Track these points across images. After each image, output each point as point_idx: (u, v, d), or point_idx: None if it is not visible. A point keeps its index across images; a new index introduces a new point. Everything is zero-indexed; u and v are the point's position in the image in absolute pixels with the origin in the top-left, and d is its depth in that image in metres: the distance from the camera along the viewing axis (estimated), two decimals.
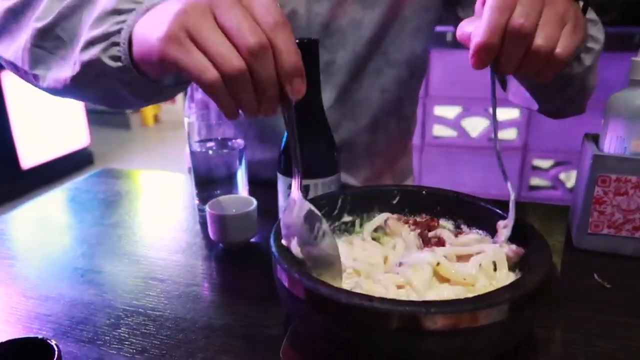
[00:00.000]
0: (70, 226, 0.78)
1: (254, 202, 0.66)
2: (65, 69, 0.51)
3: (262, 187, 0.74)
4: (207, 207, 0.64)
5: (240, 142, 0.72)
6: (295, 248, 0.42)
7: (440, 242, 0.48)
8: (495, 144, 0.50)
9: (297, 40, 0.56)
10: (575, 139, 0.69)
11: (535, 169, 2.26)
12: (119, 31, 0.46)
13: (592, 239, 0.64)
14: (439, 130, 2.29)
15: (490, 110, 0.49)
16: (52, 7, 0.51)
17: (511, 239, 0.46)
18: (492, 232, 0.50)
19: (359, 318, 0.34)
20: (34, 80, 0.56)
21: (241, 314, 0.52)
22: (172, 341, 0.48)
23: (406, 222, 0.52)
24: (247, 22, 0.37)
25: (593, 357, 0.46)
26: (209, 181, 0.72)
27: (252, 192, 0.75)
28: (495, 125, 0.50)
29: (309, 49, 0.57)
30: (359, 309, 0.33)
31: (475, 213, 0.51)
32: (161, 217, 0.79)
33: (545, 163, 2.28)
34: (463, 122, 2.24)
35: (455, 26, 0.81)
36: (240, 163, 0.72)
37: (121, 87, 0.50)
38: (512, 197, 0.49)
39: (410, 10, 0.76)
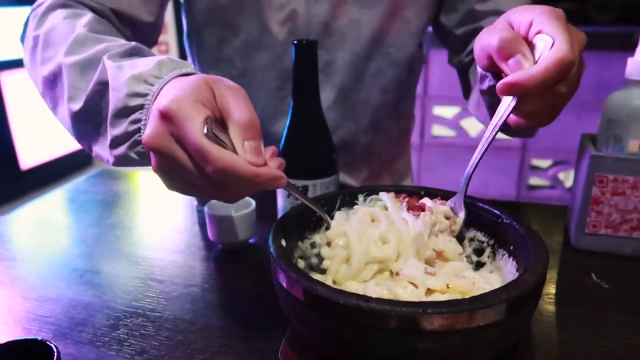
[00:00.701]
0: (69, 227, 0.78)
1: (253, 203, 0.66)
2: (104, 152, 0.51)
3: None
4: (205, 208, 0.64)
5: None
6: None
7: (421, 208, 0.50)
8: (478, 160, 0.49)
9: (296, 41, 0.57)
10: (574, 138, 0.70)
11: (534, 168, 2.27)
12: (138, 130, 0.45)
13: (590, 239, 0.64)
14: (438, 130, 2.29)
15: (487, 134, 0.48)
16: (77, 84, 0.51)
17: (499, 239, 0.48)
18: (489, 232, 0.50)
19: (356, 318, 0.34)
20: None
21: (240, 315, 0.52)
22: (171, 342, 0.48)
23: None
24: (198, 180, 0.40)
25: (591, 356, 0.46)
26: None
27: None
28: (489, 145, 0.48)
29: (307, 50, 0.57)
30: (356, 309, 0.33)
31: (473, 214, 0.51)
32: (160, 218, 0.79)
33: (544, 162, 2.28)
34: (462, 122, 2.24)
35: (436, 30, 0.82)
36: None
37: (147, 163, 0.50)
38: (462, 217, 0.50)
39: (408, 10, 0.77)
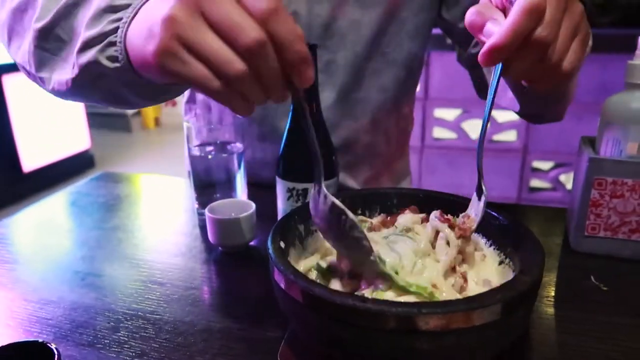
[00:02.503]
0: (70, 230, 0.78)
1: (253, 206, 0.66)
2: (66, 71, 0.49)
3: (261, 191, 0.74)
4: (206, 211, 0.64)
5: (239, 145, 0.72)
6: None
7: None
8: (482, 135, 0.48)
9: None
10: (575, 140, 0.70)
11: (535, 170, 2.27)
12: (115, 30, 0.43)
13: (589, 242, 0.64)
14: (438, 132, 2.30)
15: (492, 111, 0.48)
16: (49, 6, 0.49)
17: (498, 240, 0.47)
18: (487, 234, 0.50)
19: (353, 318, 0.34)
20: (41, 83, 0.53)
21: (240, 317, 0.53)
22: (171, 344, 0.49)
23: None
24: (240, 17, 0.34)
25: (589, 358, 0.46)
26: (208, 185, 0.72)
27: (250, 196, 0.75)
28: (487, 120, 0.47)
29: None
30: (353, 309, 0.34)
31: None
32: (161, 221, 0.79)
33: (545, 165, 2.28)
34: (463, 124, 2.25)
35: (441, 26, 0.83)
36: (239, 167, 0.72)
37: (122, 88, 0.47)
38: (484, 198, 0.48)
39: (407, 10, 0.77)
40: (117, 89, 0.47)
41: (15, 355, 0.40)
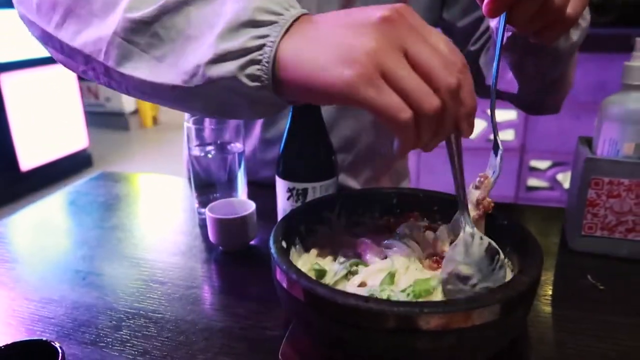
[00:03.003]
0: (70, 229, 0.79)
1: (253, 205, 0.66)
2: (168, 75, 0.43)
3: (261, 190, 0.75)
4: (206, 211, 0.65)
5: (239, 146, 0.73)
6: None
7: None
8: (492, 94, 0.51)
9: None
10: (573, 139, 0.71)
11: (533, 169, 2.28)
12: (260, 47, 0.40)
13: (586, 241, 0.65)
14: None
15: (489, 112, 0.50)
16: None
17: (496, 239, 0.48)
18: (486, 234, 0.51)
19: (354, 318, 0.35)
20: (105, 77, 0.48)
21: (241, 316, 0.53)
22: (173, 343, 0.49)
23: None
24: (443, 62, 0.37)
25: (586, 356, 0.47)
26: (209, 185, 0.73)
27: (251, 195, 0.76)
28: (497, 73, 0.50)
29: None
30: (355, 309, 0.34)
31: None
32: (161, 220, 0.80)
33: (542, 164, 2.29)
34: None
35: (440, 26, 0.84)
36: (239, 166, 0.73)
37: (244, 104, 0.44)
38: (500, 153, 0.50)
39: None
40: (235, 103, 0.44)
41: (19, 354, 0.40)
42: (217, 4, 0.42)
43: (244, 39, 0.40)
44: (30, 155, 3.10)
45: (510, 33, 0.57)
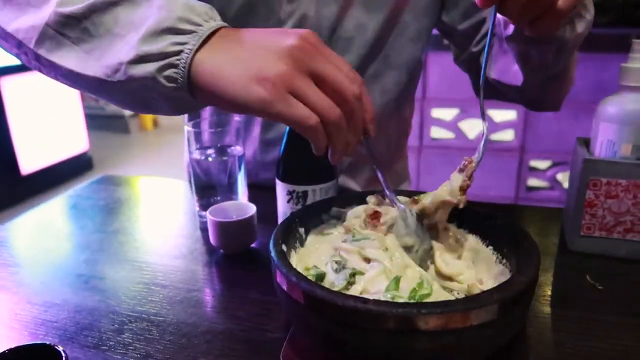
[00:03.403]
0: (72, 233, 0.79)
1: (254, 208, 0.67)
2: (93, 68, 0.47)
3: (261, 193, 0.75)
4: (207, 214, 0.65)
5: (239, 149, 0.73)
6: None
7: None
8: (481, 82, 0.53)
9: None
10: (572, 139, 0.71)
11: (533, 169, 2.28)
12: (178, 52, 0.45)
13: (585, 241, 0.65)
14: (436, 132, 2.31)
15: (489, 111, 0.50)
16: None
17: (494, 240, 0.49)
18: (484, 234, 0.51)
19: (354, 319, 0.35)
20: (36, 63, 0.52)
21: (242, 318, 0.54)
22: (175, 346, 0.50)
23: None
24: (346, 76, 0.45)
25: (585, 357, 0.47)
26: (209, 188, 0.73)
27: (251, 198, 0.76)
28: (488, 62, 0.54)
29: None
30: (354, 310, 0.35)
31: (468, 217, 0.52)
32: (162, 224, 0.80)
33: (542, 164, 2.30)
34: (460, 124, 2.26)
35: (440, 29, 0.84)
36: (240, 170, 0.73)
37: (161, 101, 0.48)
38: (485, 135, 0.51)
39: (410, 15, 0.78)
40: (152, 100, 0.49)
41: (23, 358, 0.41)
42: (144, 8, 0.47)
43: (165, 44, 0.45)
44: (30, 158, 3.10)
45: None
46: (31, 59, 0.52)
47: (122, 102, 0.52)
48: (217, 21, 0.47)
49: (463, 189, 0.48)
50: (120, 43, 0.46)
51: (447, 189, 0.50)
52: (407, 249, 0.49)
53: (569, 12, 0.47)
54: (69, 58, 0.49)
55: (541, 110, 0.82)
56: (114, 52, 0.47)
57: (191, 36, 0.45)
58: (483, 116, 0.51)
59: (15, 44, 0.52)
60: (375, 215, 0.52)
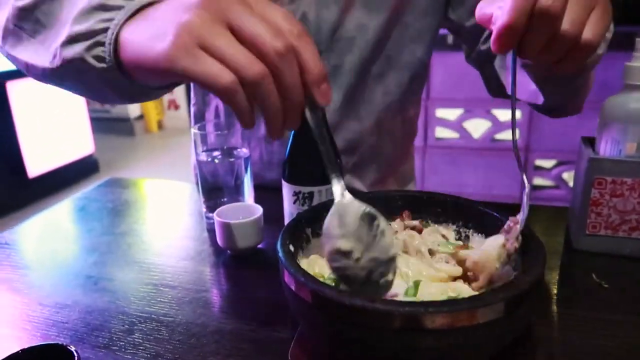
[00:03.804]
0: (80, 235, 0.80)
1: (260, 209, 0.67)
2: (43, 57, 0.48)
3: (268, 194, 0.76)
4: (214, 215, 0.66)
5: (245, 151, 0.74)
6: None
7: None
8: (513, 134, 0.47)
9: None
10: (577, 138, 0.71)
11: (538, 168, 2.28)
12: (104, 30, 0.43)
13: (590, 240, 0.65)
14: (441, 132, 2.31)
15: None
16: None
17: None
18: (490, 234, 0.51)
19: (361, 318, 0.36)
20: (11, 59, 0.53)
21: (250, 318, 0.54)
22: (184, 346, 0.50)
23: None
24: (269, 28, 0.36)
25: (591, 354, 0.47)
26: (216, 189, 0.74)
27: (257, 200, 0.77)
28: (514, 115, 0.46)
29: None
30: (361, 309, 0.35)
31: (474, 216, 0.53)
32: (169, 225, 0.81)
33: (547, 163, 2.29)
34: (465, 123, 2.26)
35: (448, 27, 0.84)
36: (246, 171, 0.74)
37: (104, 86, 0.47)
38: (527, 191, 0.45)
39: (411, 15, 0.79)
40: (97, 85, 0.47)
41: (35, 358, 0.41)
42: None
43: (93, 21, 0.43)
44: (37, 161, 3.13)
45: None
46: (6, 57, 0.53)
47: (76, 90, 0.51)
48: None
49: (510, 256, 0.44)
50: (63, 28, 0.46)
51: (494, 255, 0.43)
52: (344, 254, 0.41)
53: (597, 46, 0.41)
54: (26, 51, 0.49)
55: (562, 117, 0.78)
56: (57, 38, 0.46)
57: (119, 11, 0.43)
58: (522, 171, 0.47)
59: None
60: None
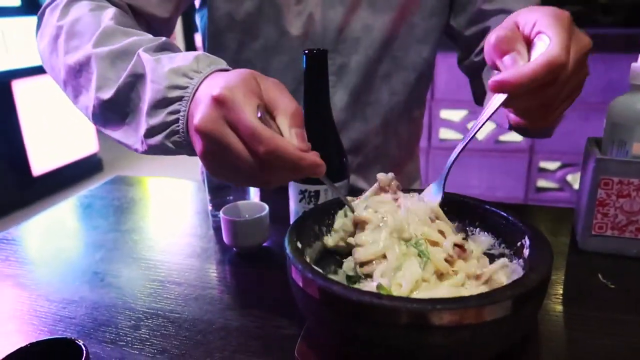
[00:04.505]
0: (87, 232, 0.80)
1: (266, 207, 0.68)
2: (133, 139, 0.53)
3: (273, 192, 0.76)
4: (221, 213, 0.66)
5: None
6: None
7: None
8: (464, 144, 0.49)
9: (307, 51, 0.59)
10: (581, 140, 0.71)
11: (542, 170, 2.27)
12: (176, 121, 0.48)
13: (596, 241, 0.65)
14: (445, 134, 2.31)
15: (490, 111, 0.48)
16: (107, 74, 0.54)
17: (507, 238, 0.49)
18: (497, 233, 0.52)
19: (369, 315, 0.36)
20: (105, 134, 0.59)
21: (256, 315, 0.54)
22: (190, 342, 0.50)
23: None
24: (258, 131, 0.40)
25: (596, 353, 0.47)
26: (222, 188, 0.74)
27: (263, 198, 0.77)
28: (475, 133, 0.48)
29: (318, 59, 0.59)
30: (369, 306, 0.35)
31: (482, 216, 0.53)
32: (175, 223, 0.81)
33: (552, 165, 2.29)
34: (469, 125, 2.26)
35: (446, 32, 0.84)
36: None
37: (177, 153, 0.53)
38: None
39: (418, 15, 0.79)
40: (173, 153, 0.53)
41: (44, 352, 0.41)
42: (148, 80, 0.50)
43: (163, 115, 0.48)
44: (41, 160, 3.14)
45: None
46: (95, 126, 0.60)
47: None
48: (200, 73, 0.48)
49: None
50: (142, 118, 0.51)
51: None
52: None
53: (563, 112, 0.47)
54: (115, 132, 0.55)
55: (528, 137, 0.83)
56: (140, 127, 0.52)
57: (181, 103, 0.47)
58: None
59: (86, 115, 0.59)
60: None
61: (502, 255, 0.50)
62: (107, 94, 0.53)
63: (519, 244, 0.48)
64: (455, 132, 2.29)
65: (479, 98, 0.86)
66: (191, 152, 0.49)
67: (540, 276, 0.38)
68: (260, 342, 0.50)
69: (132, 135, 0.53)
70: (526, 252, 0.46)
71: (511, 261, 0.48)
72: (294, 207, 0.65)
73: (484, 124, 0.46)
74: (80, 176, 3.41)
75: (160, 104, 0.48)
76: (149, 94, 0.50)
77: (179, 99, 0.47)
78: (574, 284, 0.60)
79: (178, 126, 0.48)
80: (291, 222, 0.53)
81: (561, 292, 0.59)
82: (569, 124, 2.16)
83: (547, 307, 0.55)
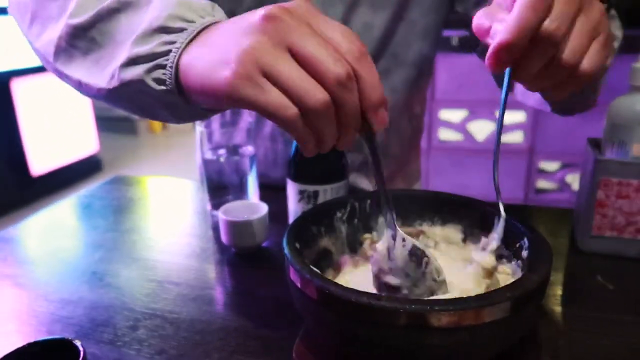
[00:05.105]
0: (86, 232, 0.80)
1: (265, 207, 0.68)
2: (98, 77, 0.47)
3: (272, 192, 0.76)
4: (219, 213, 0.66)
5: (250, 149, 0.74)
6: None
7: None
8: (496, 150, 0.46)
9: None
10: (582, 141, 0.71)
11: (542, 171, 2.27)
12: (166, 52, 0.42)
13: (596, 242, 0.65)
14: (445, 134, 2.31)
15: (497, 113, 0.47)
16: (87, 5, 0.47)
17: (506, 239, 0.48)
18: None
19: (367, 316, 0.36)
20: (63, 77, 0.52)
21: (254, 315, 0.54)
22: (189, 342, 0.50)
23: None
24: (330, 52, 0.35)
25: (596, 354, 0.47)
26: (221, 187, 0.74)
27: (262, 197, 0.77)
28: (500, 129, 0.46)
29: None
30: (367, 307, 0.35)
31: (481, 217, 0.53)
32: (174, 223, 0.81)
33: (551, 165, 2.29)
34: (469, 125, 2.26)
35: (454, 21, 0.84)
36: (251, 169, 0.74)
37: (159, 107, 0.46)
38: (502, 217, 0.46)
39: (416, 12, 0.79)
40: (153, 106, 0.47)
41: (41, 352, 0.41)
42: (143, 11, 0.44)
43: (154, 44, 0.42)
44: (41, 160, 3.13)
45: None
46: (54, 71, 0.52)
47: (129, 109, 0.51)
48: (211, 16, 0.43)
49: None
50: (121, 49, 0.45)
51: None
52: (392, 289, 0.43)
53: (593, 75, 0.39)
54: (79, 69, 0.48)
55: (574, 114, 0.74)
56: (115, 59, 0.45)
57: (180, 34, 0.42)
58: (497, 194, 0.47)
59: (42, 58, 0.53)
60: None
61: (501, 256, 0.50)
62: (80, 19, 0.46)
63: (518, 245, 0.47)
64: (455, 132, 2.29)
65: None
66: (167, 100, 0.44)
67: (540, 277, 0.37)
68: (258, 343, 0.50)
69: (100, 70, 0.46)
70: (525, 253, 0.45)
71: (510, 262, 0.48)
72: (293, 208, 0.65)
73: (504, 107, 0.44)
74: (79, 176, 3.41)
75: (155, 31, 0.42)
76: (145, 19, 0.43)
77: (179, 30, 0.42)
78: (573, 285, 0.60)
79: (167, 59, 0.41)
80: (290, 223, 0.53)
81: (560, 292, 0.58)
82: (567, 125, 2.16)
83: (547, 308, 0.55)
